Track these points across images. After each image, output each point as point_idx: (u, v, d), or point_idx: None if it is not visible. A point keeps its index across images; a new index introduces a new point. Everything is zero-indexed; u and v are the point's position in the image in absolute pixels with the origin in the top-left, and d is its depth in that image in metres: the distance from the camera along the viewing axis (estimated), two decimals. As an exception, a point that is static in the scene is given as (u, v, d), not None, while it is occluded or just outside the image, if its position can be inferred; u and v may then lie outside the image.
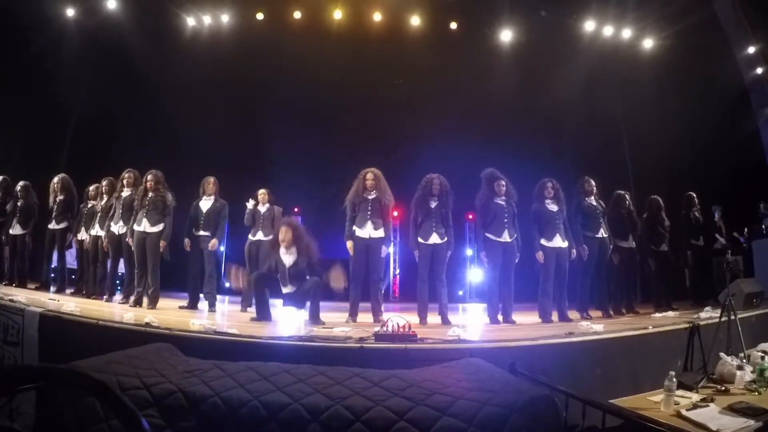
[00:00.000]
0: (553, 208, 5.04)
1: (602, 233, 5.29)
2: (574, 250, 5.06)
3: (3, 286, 5.66)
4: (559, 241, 4.98)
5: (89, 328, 3.16)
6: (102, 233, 5.72)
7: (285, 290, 4.35)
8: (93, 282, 5.88)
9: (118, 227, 5.45)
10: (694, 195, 6.38)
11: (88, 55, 8.25)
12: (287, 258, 4.37)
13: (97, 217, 5.87)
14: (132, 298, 5.14)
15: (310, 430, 1.95)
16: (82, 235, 6.13)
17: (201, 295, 5.46)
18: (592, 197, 5.40)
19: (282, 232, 4.31)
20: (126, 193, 5.49)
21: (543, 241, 4.99)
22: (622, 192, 5.74)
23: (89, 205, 6.15)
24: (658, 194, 6.17)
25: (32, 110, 7.85)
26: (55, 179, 6.19)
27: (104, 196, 5.90)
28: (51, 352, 3.12)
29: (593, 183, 5.44)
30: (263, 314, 4.29)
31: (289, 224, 4.39)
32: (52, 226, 6.15)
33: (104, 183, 5.93)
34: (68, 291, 6.24)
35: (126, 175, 5.56)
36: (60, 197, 6.13)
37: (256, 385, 2.13)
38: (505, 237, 4.83)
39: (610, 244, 5.39)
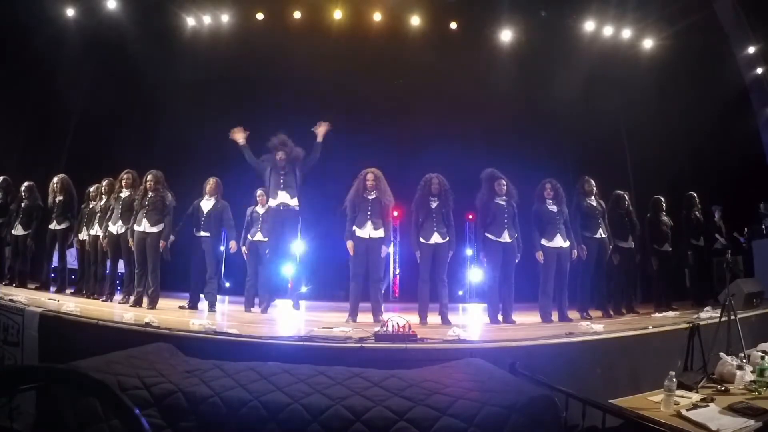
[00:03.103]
0: (553, 208, 5.05)
1: (601, 233, 5.29)
2: (575, 251, 5.07)
3: (3, 286, 5.66)
4: (560, 241, 4.98)
5: (89, 328, 3.16)
6: (101, 233, 5.72)
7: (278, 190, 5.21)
8: (93, 282, 5.89)
9: (116, 227, 5.45)
10: (695, 195, 6.37)
11: (88, 55, 8.24)
12: (281, 170, 5.23)
13: (97, 217, 5.87)
14: (132, 298, 5.14)
15: (310, 430, 1.95)
16: (83, 235, 6.14)
17: (201, 296, 5.46)
18: (592, 197, 5.40)
19: (280, 154, 5.22)
20: (125, 193, 5.49)
21: (544, 242, 4.99)
22: (622, 192, 5.74)
23: (90, 206, 6.15)
24: (658, 194, 6.17)
25: (32, 110, 7.86)
26: (55, 179, 6.20)
27: (103, 196, 5.91)
28: (51, 352, 3.12)
29: (593, 183, 5.44)
30: None
31: (285, 146, 5.23)
32: (53, 226, 6.15)
33: (104, 183, 5.94)
34: (68, 291, 6.24)
35: (124, 176, 5.56)
36: (59, 197, 6.14)
37: (256, 385, 2.13)
38: (505, 237, 4.82)
39: (610, 245, 5.39)
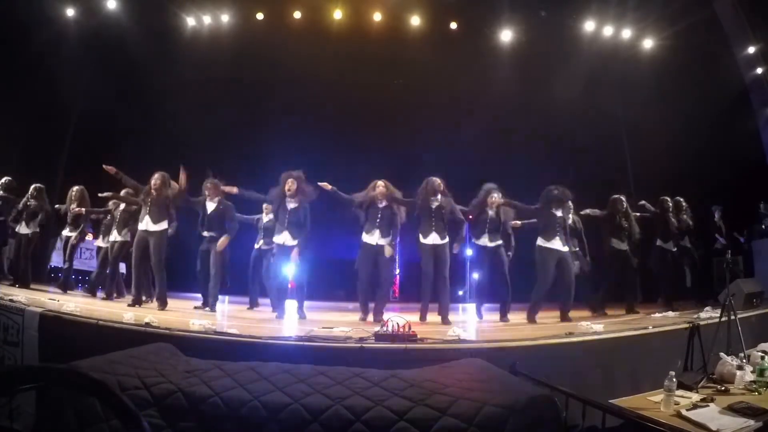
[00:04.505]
0: (558, 213, 5.07)
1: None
2: (577, 262, 5.14)
3: (4, 286, 5.66)
4: (558, 245, 4.98)
5: (89, 328, 3.16)
6: (120, 238, 5.86)
7: (283, 229, 4.91)
8: (113, 283, 6.03)
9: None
10: (681, 200, 6.27)
11: (88, 55, 8.24)
12: (290, 204, 4.90)
13: (116, 223, 5.99)
14: (132, 299, 5.16)
15: (310, 430, 1.95)
16: (114, 236, 6.12)
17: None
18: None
19: (289, 183, 4.85)
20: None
21: (541, 242, 5.01)
22: (618, 195, 5.74)
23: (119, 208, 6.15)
24: (657, 194, 6.18)
25: (32, 110, 7.84)
26: (74, 188, 6.40)
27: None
28: (51, 352, 3.12)
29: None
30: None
31: (296, 177, 4.89)
32: (66, 232, 6.41)
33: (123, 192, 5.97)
34: (76, 291, 6.42)
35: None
36: (75, 205, 6.33)
37: (256, 385, 2.13)
38: (485, 242, 5.17)
39: (585, 256, 5.66)
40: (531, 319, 4.86)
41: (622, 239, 5.59)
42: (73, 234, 6.39)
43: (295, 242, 4.90)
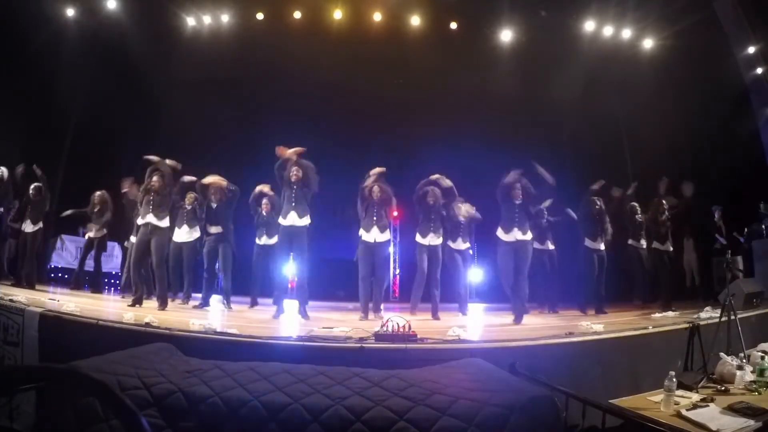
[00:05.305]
0: (517, 201, 4.92)
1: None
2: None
3: (4, 286, 5.65)
4: (517, 235, 4.84)
5: (89, 328, 3.16)
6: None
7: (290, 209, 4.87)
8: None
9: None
10: (663, 202, 6.20)
11: (88, 55, 8.24)
12: (295, 184, 4.93)
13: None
14: (132, 298, 5.15)
15: (310, 430, 1.95)
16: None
17: (215, 295, 5.65)
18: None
19: (294, 171, 4.88)
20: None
21: (500, 233, 4.93)
22: (594, 197, 5.82)
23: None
24: (657, 194, 6.18)
25: (32, 110, 7.85)
26: (97, 193, 6.61)
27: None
28: (51, 352, 3.12)
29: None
30: None
31: (301, 165, 4.93)
32: (91, 234, 6.61)
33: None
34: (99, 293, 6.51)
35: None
36: (98, 209, 6.55)
37: (256, 385, 2.13)
38: (459, 245, 5.60)
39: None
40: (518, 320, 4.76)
41: (595, 239, 5.69)
42: (98, 235, 6.59)
43: (303, 222, 4.78)
